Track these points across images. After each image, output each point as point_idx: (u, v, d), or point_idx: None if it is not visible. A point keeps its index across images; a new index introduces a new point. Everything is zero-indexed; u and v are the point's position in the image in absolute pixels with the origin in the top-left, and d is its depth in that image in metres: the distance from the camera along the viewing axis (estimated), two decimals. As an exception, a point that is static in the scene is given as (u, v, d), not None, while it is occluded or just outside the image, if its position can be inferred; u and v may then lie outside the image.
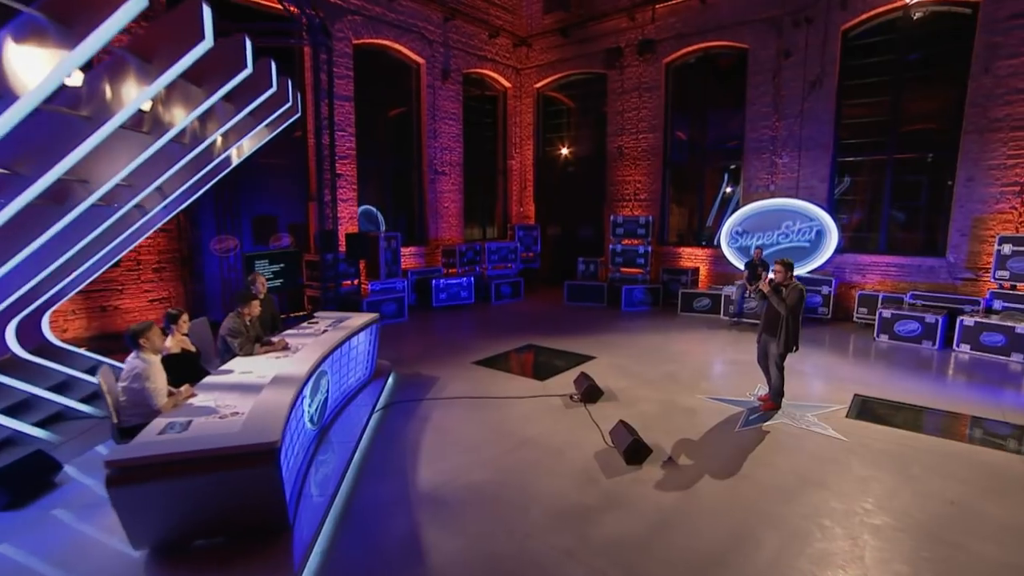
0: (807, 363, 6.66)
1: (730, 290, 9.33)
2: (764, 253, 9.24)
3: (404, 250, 10.90)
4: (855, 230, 9.83)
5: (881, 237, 9.50)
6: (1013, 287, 7.74)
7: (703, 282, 11.01)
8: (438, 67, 11.43)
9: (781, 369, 4.87)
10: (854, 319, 9.03)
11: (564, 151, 13.07)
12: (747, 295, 9.02)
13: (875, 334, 8.13)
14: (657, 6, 11.22)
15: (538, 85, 13.32)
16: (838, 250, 9.47)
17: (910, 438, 4.48)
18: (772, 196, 9.93)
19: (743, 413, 4.92)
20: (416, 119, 11.32)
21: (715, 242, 10.41)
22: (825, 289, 9.15)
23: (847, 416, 4.91)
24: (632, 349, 7.28)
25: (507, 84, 13.26)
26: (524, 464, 3.76)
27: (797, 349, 4.73)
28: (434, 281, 10.23)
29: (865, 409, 5.12)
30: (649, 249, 10.96)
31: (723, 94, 10.69)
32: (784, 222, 9.48)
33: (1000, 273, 7.85)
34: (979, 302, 8.11)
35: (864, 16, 9.36)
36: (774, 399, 4.99)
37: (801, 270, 9.35)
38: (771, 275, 4.78)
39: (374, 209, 10.80)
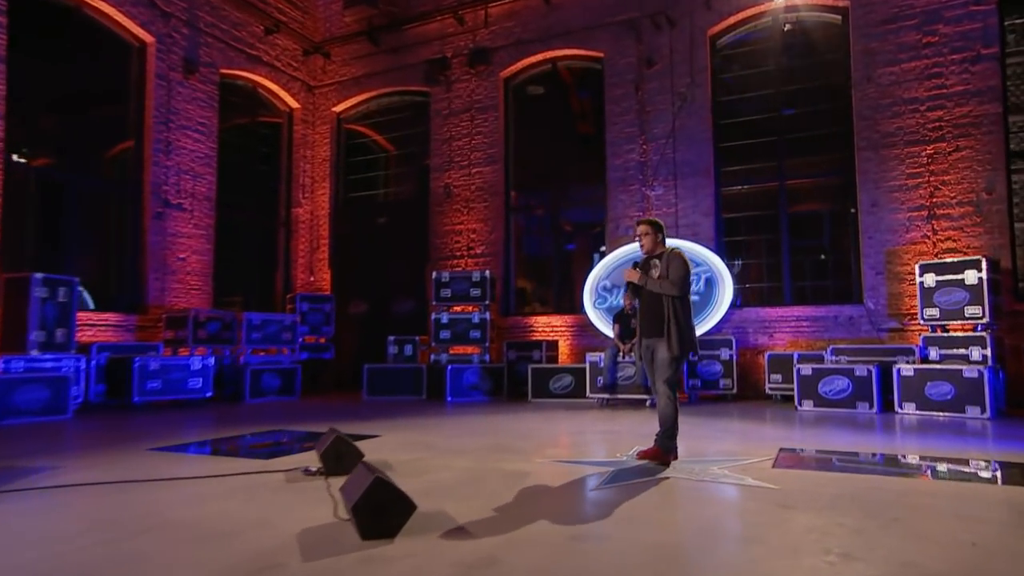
0: (715, 427, 6.59)
1: (597, 358, 9.03)
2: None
3: (96, 316, 9.68)
4: (753, 280, 10.13)
5: (785, 285, 9.83)
6: (944, 328, 8.00)
7: (564, 358, 10.73)
8: (179, 54, 10.84)
9: (674, 388, 4.51)
10: (766, 391, 9.07)
11: (375, 193, 13.11)
12: (621, 358, 8.86)
13: (796, 401, 8.11)
14: (491, 6, 11.70)
15: (338, 109, 13.35)
16: (735, 304, 9.68)
17: (877, 481, 4.18)
18: None
19: (609, 472, 4.50)
20: (136, 121, 10.48)
21: (580, 308, 10.39)
22: (725, 354, 9.22)
23: (774, 467, 4.59)
24: (441, 427, 6.90)
25: (294, 104, 13.15)
26: (124, 557, 3.04)
27: (697, 354, 4.77)
28: (137, 362, 8.85)
29: (799, 460, 4.90)
30: (487, 318, 10.52)
31: (582, 124, 11.23)
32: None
33: (928, 312, 8.05)
34: (912, 351, 8.26)
35: (731, 20, 10.26)
36: (661, 443, 4.55)
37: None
38: (637, 242, 4.70)
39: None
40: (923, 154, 8.94)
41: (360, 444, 5.37)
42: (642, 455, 4.75)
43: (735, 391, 9.17)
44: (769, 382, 8.99)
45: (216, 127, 11.35)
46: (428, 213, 12.11)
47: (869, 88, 9.21)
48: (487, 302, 10.65)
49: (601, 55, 10.96)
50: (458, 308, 10.83)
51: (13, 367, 7.94)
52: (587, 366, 9.21)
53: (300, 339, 11.48)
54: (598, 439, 6.04)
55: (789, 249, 9.77)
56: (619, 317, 9.09)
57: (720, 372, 9.17)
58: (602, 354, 9.06)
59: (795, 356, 8.73)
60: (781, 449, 5.27)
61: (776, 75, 10.04)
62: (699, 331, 9.32)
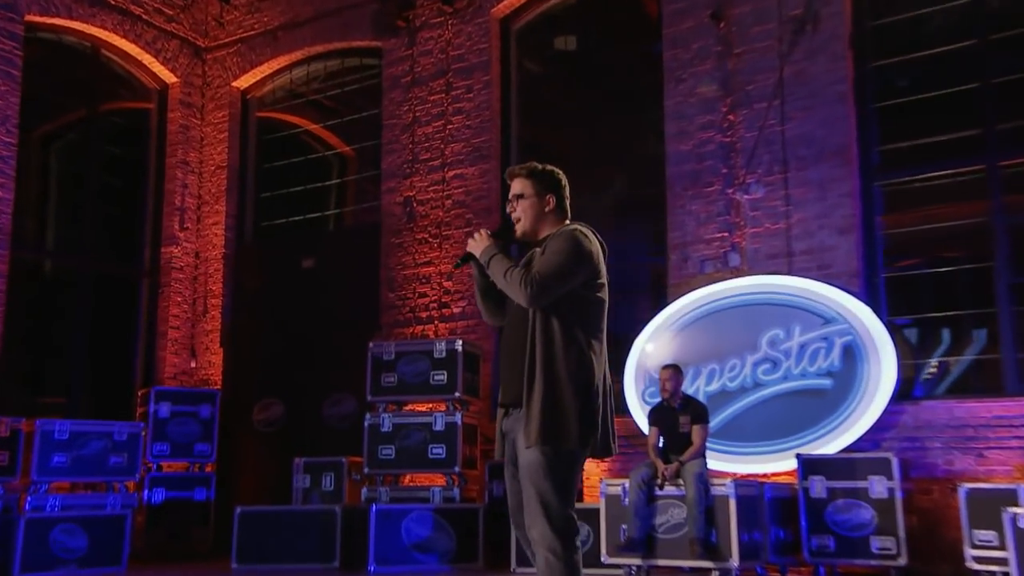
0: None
1: (619, 489, 8.63)
2: (732, 411, 9.37)
3: None
4: (937, 348, 9.52)
5: (1007, 358, 8.95)
6: None
7: (594, 490, 9.81)
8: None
9: (570, 549, 4.13)
10: (967, 559, 8.08)
11: (304, 219, 13.12)
12: (659, 488, 8.52)
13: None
14: (473, -98, 11.61)
15: (243, 84, 13.33)
16: (906, 395, 9.09)
17: None
18: (734, 276, 9.73)
19: None
20: None
21: (622, 403, 9.91)
22: (881, 487, 8.39)
23: None
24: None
25: (169, 77, 13.05)
26: None
27: (611, 452, 4.29)
28: None
29: None
30: (458, 422, 10.04)
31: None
32: (764, 334, 9.41)
33: None
34: None
35: None
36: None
37: (815, 447, 8.97)
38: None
39: None
40: None
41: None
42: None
43: (903, 560, 8.14)
44: (972, 542, 7.94)
45: (15, 114, 11.04)
46: (379, 249, 11.79)
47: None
48: (457, 395, 10.09)
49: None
50: (412, 407, 10.61)
51: None
52: (601, 505, 8.58)
53: (154, 464, 11.05)
54: None
55: (1010, 291, 8.96)
56: (660, 412, 8.75)
57: (871, 523, 8.29)
58: (626, 482, 8.56)
59: (1020, 492, 7.77)
60: None
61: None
62: (832, 442, 8.81)
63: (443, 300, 11.19)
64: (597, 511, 8.76)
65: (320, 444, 11.31)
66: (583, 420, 4.02)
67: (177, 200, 12.84)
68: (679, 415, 8.62)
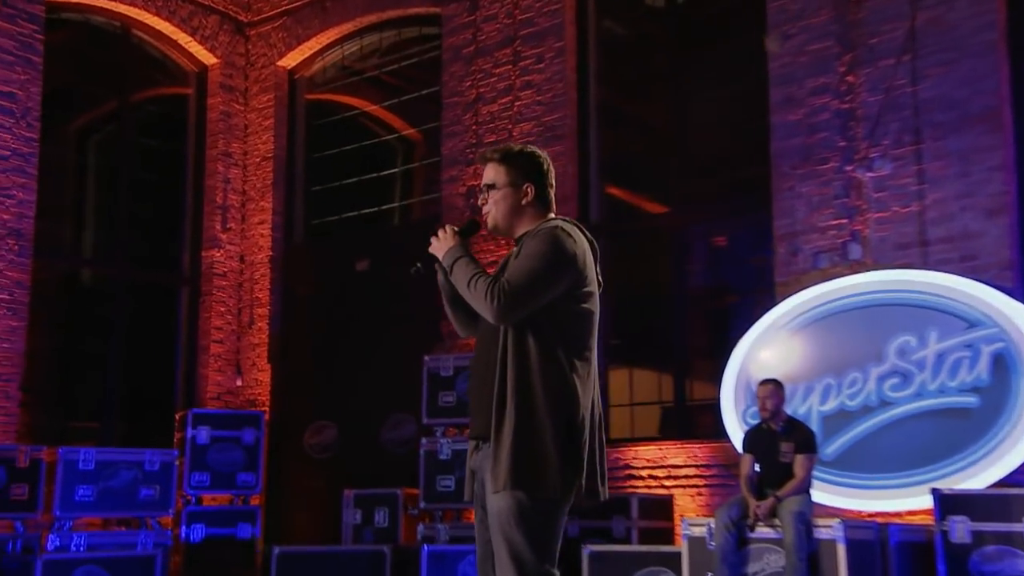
0: None
1: (704, 530, 8.54)
2: (851, 436, 9.23)
3: None
4: None
5: None
6: None
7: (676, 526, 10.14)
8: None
9: None
10: None
11: (361, 215, 13.14)
12: (751, 528, 8.38)
13: None
14: None
15: (290, 63, 13.42)
16: None
17: None
18: (855, 271, 9.47)
19: None
20: None
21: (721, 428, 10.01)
22: None
23: None
24: None
25: (208, 58, 13.21)
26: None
27: (600, 496, 4.14)
28: None
29: None
30: None
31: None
32: (893, 341, 9.18)
33: None
34: None
35: None
36: None
37: (956, 481, 8.59)
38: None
39: None
40: None
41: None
42: None
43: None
44: None
45: (36, 106, 11.21)
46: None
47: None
48: None
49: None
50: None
51: None
52: (683, 549, 8.50)
53: (193, 496, 11.08)
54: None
55: None
56: (757, 436, 8.59)
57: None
58: (712, 521, 8.47)
59: None
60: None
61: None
62: (979, 475, 8.47)
63: (507, 304, 10.98)
64: (678, 556, 8.58)
65: (378, 473, 11.26)
66: (565, 460, 3.84)
67: (219, 197, 12.96)
68: (780, 440, 8.37)
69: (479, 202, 4.32)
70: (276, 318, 13.02)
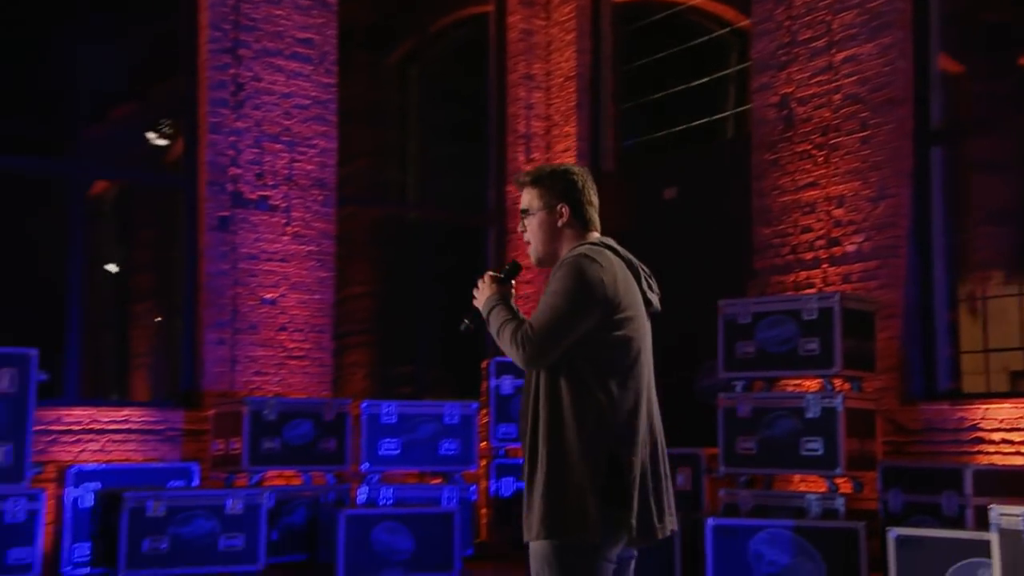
0: None
1: (1017, 523, 7.69)
2: None
3: (100, 415, 10.41)
4: None
5: None
6: None
7: None
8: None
9: None
10: None
11: (681, 130, 12.97)
12: None
13: None
14: None
15: None
16: None
17: None
18: None
19: None
20: (184, 43, 11.23)
21: None
22: None
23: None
24: None
25: None
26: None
27: (650, 539, 4.14)
28: (129, 503, 9.15)
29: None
30: (838, 406, 9.34)
31: None
32: None
33: None
34: None
35: None
36: None
37: None
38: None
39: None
40: None
41: None
42: None
43: None
44: None
45: (333, 50, 11.49)
46: (749, 165, 11.23)
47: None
48: (835, 369, 9.26)
49: None
50: (779, 385, 10.28)
51: None
52: (993, 542, 7.51)
53: (500, 450, 11.39)
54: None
55: None
56: None
57: None
58: None
59: None
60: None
61: None
62: None
63: (832, 235, 10.14)
64: (986, 544, 7.60)
65: (692, 426, 10.63)
66: (606, 500, 3.91)
67: (521, 126, 12.97)
68: None
69: (519, 229, 4.45)
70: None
